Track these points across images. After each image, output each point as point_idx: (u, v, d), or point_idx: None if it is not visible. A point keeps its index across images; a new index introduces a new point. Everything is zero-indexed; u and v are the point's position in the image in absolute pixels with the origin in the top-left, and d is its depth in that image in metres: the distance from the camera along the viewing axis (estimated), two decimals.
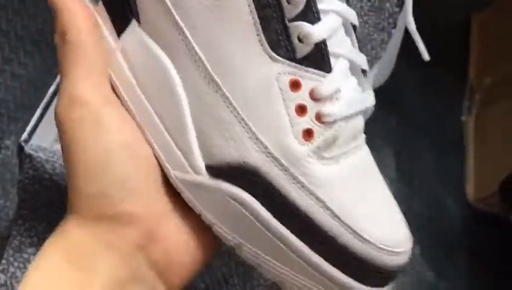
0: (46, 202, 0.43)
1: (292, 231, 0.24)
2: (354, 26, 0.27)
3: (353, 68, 0.25)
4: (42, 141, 0.46)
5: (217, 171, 0.24)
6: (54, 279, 0.22)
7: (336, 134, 0.24)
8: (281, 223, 0.24)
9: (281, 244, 0.24)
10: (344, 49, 0.25)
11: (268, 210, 0.24)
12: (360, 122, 0.27)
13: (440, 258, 0.60)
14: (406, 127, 0.68)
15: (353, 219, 0.24)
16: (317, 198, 0.24)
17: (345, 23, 0.26)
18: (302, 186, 0.24)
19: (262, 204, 0.24)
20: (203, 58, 0.23)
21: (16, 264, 0.44)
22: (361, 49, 0.54)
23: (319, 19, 0.24)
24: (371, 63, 0.54)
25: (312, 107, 0.24)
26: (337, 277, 0.25)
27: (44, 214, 0.43)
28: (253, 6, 0.22)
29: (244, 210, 0.24)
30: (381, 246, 0.25)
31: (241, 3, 0.22)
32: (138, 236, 0.22)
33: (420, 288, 0.57)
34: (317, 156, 0.25)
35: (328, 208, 0.25)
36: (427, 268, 0.59)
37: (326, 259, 0.24)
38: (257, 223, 0.24)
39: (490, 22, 0.75)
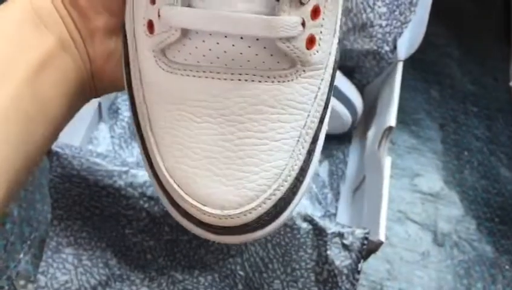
0: (77, 199, 0.42)
1: None
2: None
3: None
4: (69, 139, 0.46)
5: None
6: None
7: (172, 38, 0.21)
8: None
9: None
10: None
11: None
12: (226, 49, 0.21)
13: (499, 231, 0.56)
14: (450, 99, 0.65)
15: (166, 155, 0.21)
16: (143, 97, 0.22)
17: None
18: (140, 80, 0.23)
19: None
20: None
21: (54, 265, 0.43)
22: (389, 16, 0.51)
23: None
24: (400, 28, 0.51)
25: (159, 0, 0.21)
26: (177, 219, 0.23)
27: (78, 211, 0.43)
28: None
29: None
30: (187, 199, 0.21)
31: None
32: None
33: (479, 263, 0.53)
34: (159, 54, 0.22)
35: (149, 120, 0.22)
36: (486, 243, 0.54)
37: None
38: None
39: None
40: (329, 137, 0.56)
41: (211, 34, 0.20)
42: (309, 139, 0.22)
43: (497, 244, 0.55)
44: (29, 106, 0.23)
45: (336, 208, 0.54)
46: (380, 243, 0.42)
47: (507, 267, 0.53)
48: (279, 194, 0.21)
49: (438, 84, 0.65)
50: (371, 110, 0.57)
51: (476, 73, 0.67)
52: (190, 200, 0.21)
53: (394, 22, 0.51)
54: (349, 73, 0.55)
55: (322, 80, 0.22)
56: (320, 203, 0.54)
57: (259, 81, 0.21)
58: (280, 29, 0.20)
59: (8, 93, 0.22)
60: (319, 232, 0.41)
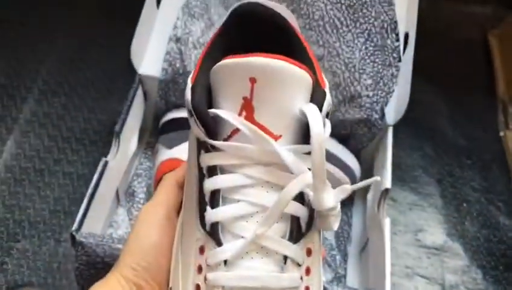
0: None
1: None
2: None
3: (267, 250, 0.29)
4: (92, 227, 0.50)
5: None
6: None
7: None
8: None
9: None
10: (246, 233, 0.28)
11: None
12: None
13: (504, 279, 0.58)
14: (444, 154, 0.68)
15: None
16: None
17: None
18: None
19: None
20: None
21: None
22: (375, 87, 0.56)
23: (218, 205, 0.29)
24: (385, 98, 0.56)
25: (204, 269, 0.29)
26: None
27: None
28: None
29: None
30: None
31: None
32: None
33: None
34: None
35: None
36: None
37: None
38: None
39: (507, 35, 0.76)
40: None
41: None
42: None
43: None
44: None
45: (345, 269, 0.57)
46: None
47: None
48: None
49: (431, 140, 0.69)
50: (368, 172, 0.61)
51: (466, 126, 0.71)
52: None
53: (379, 92, 0.56)
54: (344, 140, 0.59)
55: None
56: (329, 265, 0.56)
57: None
58: (287, 281, 0.28)
59: None
60: None
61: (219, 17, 0.60)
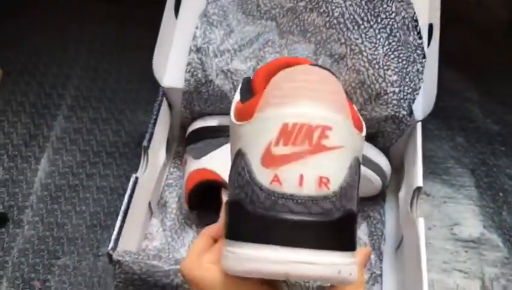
0: None
1: None
2: None
3: None
4: (128, 242, 0.51)
5: None
6: None
7: None
8: None
9: None
10: None
11: None
12: None
13: None
14: (476, 143, 0.67)
15: None
16: None
17: None
18: None
19: None
20: None
21: None
22: (400, 83, 0.55)
23: None
24: (412, 94, 0.54)
25: None
26: None
27: None
28: None
29: None
30: None
31: None
32: None
33: None
34: None
35: None
36: None
37: None
38: None
39: None
40: (364, 199, 0.59)
41: None
42: None
43: None
44: None
45: (381, 268, 0.56)
46: None
47: None
48: None
49: (463, 130, 0.68)
50: (399, 169, 0.60)
51: (499, 112, 0.69)
52: None
53: (406, 88, 0.54)
54: (372, 138, 0.58)
55: None
56: (364, 265, 0.56)
57: None
58: None
59: None
60: None
61: (238, 22, 0.60)
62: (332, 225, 0.29)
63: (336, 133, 0.29)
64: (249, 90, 0.34)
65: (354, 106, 0.33)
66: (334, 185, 0.29)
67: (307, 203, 0.29)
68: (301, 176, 0.29)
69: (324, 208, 0.29)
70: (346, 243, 0.30)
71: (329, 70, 0.32)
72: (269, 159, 0.29)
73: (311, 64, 0.32)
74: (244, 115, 0.31)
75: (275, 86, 0.31)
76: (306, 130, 0.29)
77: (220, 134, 0.58)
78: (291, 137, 0.29)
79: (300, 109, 0.29)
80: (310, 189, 0.28)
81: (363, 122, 0.33)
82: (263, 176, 0.29)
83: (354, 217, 0.31)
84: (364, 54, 0.55)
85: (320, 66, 0.32)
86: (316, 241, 0.29)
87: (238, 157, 0.31)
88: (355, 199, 0.31)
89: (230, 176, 0.32)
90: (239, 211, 0.30)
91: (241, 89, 0.35)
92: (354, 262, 0.30)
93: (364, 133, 0.32)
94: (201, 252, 0.34)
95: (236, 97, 0.34)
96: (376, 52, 0.55)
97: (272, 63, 0.35)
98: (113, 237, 0.48)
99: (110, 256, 0.46)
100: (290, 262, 0.28)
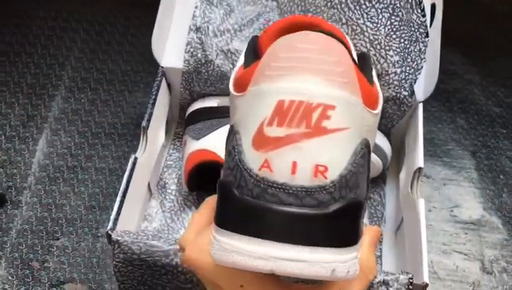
0: (141, 279, 0.47)
1: None
2: None
3: None
4: (127, 222, 0.51)
5: None
6: None
7: None
8: None
9: None
10: None
11: None
12: None
13: None
14: (478, 125, 0.66)
15: None
16: None
17: None
18: None
19: None
20: None
21: None
22: (402, 63, 0.54)
23: None
24: (414, 75, 0.54)
25: None
26: None
27: None
28: None
29: None
30: None
31: None
32: None
33: None
34: None
35: None
36: None
37: None
38: None
39: None
40: None
41: None
42: None
43: None
44: None
45: (381, 250, 0.56)
46: (426, 286, 0.44)
47: None
48: None
49: (464, 112, 0.67)
50: (399, 150, 0.59)
51: (500, 95, 0.68)
52: None
53: (407, 68, 0.54)
54: None
55: None
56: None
57: None
58: None
59: None
60: None
61: (238, 2, 0.59)
62: (326, 218, 0.25)
63: (340, 113, 0.25)
64: (255, 51, 0.30)
65: (372, 76, 0.28)
66: (333, 174, 0.25)
67: (300, 194, 0.25)
68: (294, 163, 0.25)
69: (319, 200, 0.25)
70: (344, 238, 0.26)
71: (336, 36, 0.27)
72: (261, 141, 0.26)
73: (318, 31, 0.27)
74: (242, 85, 0.28)
75: (271, 55, 0.26)
76: (304, 109, 0.25)
77: (219, 115, 0.57)
78: (286, 117, 0.25)
79: (299, 84, 0.25)
80: (303, 178, 0.25)
81: (380, 95, 0.28)
82: (253, 159, 0.26)
83: (358, 207, 0.27)
84: (366, 34, 0.54)
85: (327, 32, 0.27)
86: (306, 237, 0.25)
87: (231, 134, 0.28)
88: (361, 186, 0.27)
89: (225, 153, 0.29)
90: (227, 195, 0.27)
91: (246, 50, 0.31)
92: (355, 257, 0.27)
93: (378, 109, 0.28)
94: (201, 229, 0.32)
95: (240, 60, 0.30)
96: (378, 33, 0.54)
97: (284, 21, 0.30)
98: (112, 217, 0.48)
99: (109, 236, 0.46)
100: (275, 259, 0.25)
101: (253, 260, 0.25)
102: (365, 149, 0.27)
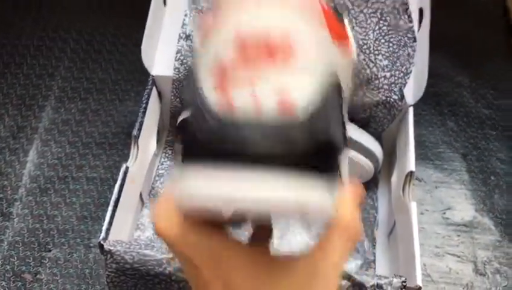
0: (134, 289, 0.47)
1: None
2: None
3: None
4: (119, 232, 0.51)
5: None
6: None
7: None
8: None
9: None
10: None
11: None
12: None
13: None
14: (468, 128, 0.67)
15: None
16: None
17: None
18: None
19: None
20: None
21: None
22: (391, 67, 0.54)
23: None
24: (403, 79, 0.54)
25: None
26: None
27: None
28: None
29: None
30: None
31: None
32: None
33: None
34: None
35: None
36: None
37: None
38: None
39: None
40: None
41: None
42: None
43: None
44: None
45: (374, 254, 0.56)
46: (419, 288, 0.44)
47: None
48: None
49: (454, 115, 0.67)
50: (391, 154, 0.60)
51: (489, 97, 0.69)
52: None
53: (397, 72, 0.54)
54: (364, 124, 0.58)
55: None
56: (358, 251, 0.56)
57: None
58: None
59: None
60: (358, 288, 0.43)
61: None
62: (298, 159, 0.23)
63: (303, 45, 0.23)
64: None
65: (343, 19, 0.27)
66: (301, 110, 0.23)
67: (266, 133, 0.23)
68: (258, 100, 0.23)
69: (288, 139, 0.23)
70: (317, 181, 0.23)
71: None
72: (220, 77, 0.23)
73: None
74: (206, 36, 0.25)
75: None
76: (265, 42, 0.23)
77: None
78: (246, 50, 0.23)
79: (257, 14, 0.23)
80: (268, 115, 0.23)
81: (352, 41, 0.27)
82: (212, 96, 0.23)
83: (331, 149, 0.24)
84: (355, 38, 0.54)
85: None
86: (272, 181, 0.22)
87: (191, 76, 0.26)
88: (334, 126, 0.25)
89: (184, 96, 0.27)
90: (188, 133, 0.24)
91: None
92: (329, 200, 0.24)
93: (351, 48, 0.26)
94: (169, 200, 0.28)
95: None
96: (367, 37, 0.54)
97: None
98: (104, 227, 0.47)
99: (101, 246, 0.45)
100: (238, 196, 0.22)
101: (215, 200, 0.23)
102: (334, 85, 0.25)
